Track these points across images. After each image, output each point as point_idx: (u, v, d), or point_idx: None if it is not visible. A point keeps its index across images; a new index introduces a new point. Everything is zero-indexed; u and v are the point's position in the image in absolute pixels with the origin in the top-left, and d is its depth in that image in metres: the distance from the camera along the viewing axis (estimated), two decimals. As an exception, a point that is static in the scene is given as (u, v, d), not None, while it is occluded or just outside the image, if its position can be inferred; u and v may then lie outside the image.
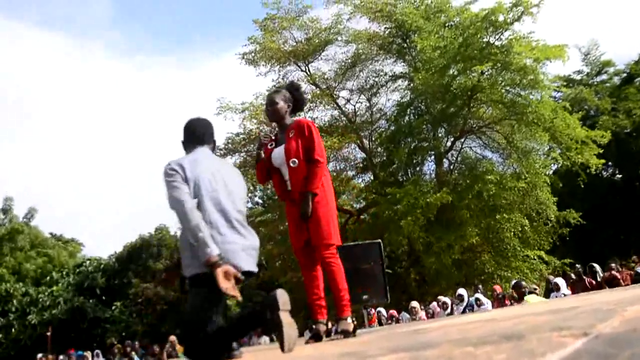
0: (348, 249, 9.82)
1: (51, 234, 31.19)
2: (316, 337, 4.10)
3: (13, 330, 22.61)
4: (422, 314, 13.33)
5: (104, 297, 23.84)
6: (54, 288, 23.94)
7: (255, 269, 3.31)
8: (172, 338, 15.23)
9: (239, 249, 3.23)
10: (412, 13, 19.38)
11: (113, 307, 23.17)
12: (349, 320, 4.12)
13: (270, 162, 4.49)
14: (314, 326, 4.25)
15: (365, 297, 9.69)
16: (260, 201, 29.29)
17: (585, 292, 10.68)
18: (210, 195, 3.28)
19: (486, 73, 17.60)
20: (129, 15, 72.70)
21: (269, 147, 4.53)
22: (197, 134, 3.71)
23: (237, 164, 22.12)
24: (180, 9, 70.83)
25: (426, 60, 19.27)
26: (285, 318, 2.92)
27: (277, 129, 4.59)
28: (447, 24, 20.32)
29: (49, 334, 21.04)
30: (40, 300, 23.25)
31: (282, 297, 2.97)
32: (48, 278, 25.25)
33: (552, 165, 20.30)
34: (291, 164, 4.26)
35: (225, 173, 3.49)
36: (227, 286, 2.94)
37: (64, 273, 25.31)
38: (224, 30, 76.58)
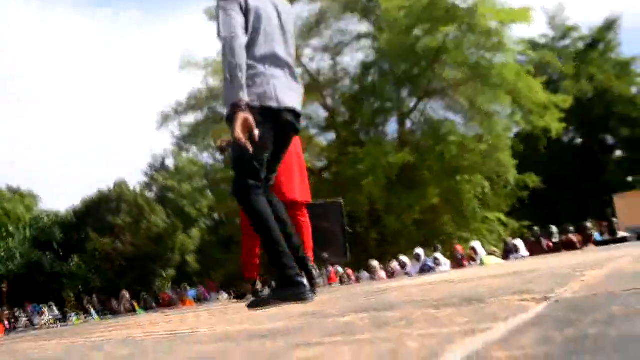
0: (309, 208, 9.86)
1: (7, 186, 30.55)
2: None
3: (-33, 283, 22.27)
4: (382, 273, 13.49)
5: (61, 252, 23.51)
6: (10, 241, 23.52)
7: (300, 109, 3.15)
8: (124, 293, 15.17)
9: (286, 87, 3.06)
10: (379, -30, 19.15)
11: (70, 262, 22.89)
12: None
13: None
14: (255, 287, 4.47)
15: (325, 255, 9.76)
16: (221, 158, 29.09)
17: (543, 255, 10.95)
18: (268, 31, 3.08)
19: (451, 35, 17.57)
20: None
21: None
22: None
23: (199, 120, 21.89)
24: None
25: (391, 21, 19.15)
26: None
27: None
28: (413, -17, 20.15)
29: (4, 287, 20.76)
30: (-4, 253, 22.92)
31: None
32: (3, 231, 24.78)
33: (514, 128, 20.53)
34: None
35: (283, 11, 3.27)
36: (241, 135, 2.75)
37: (21, 226, 24.84)
38: (188, -18, 74.64)
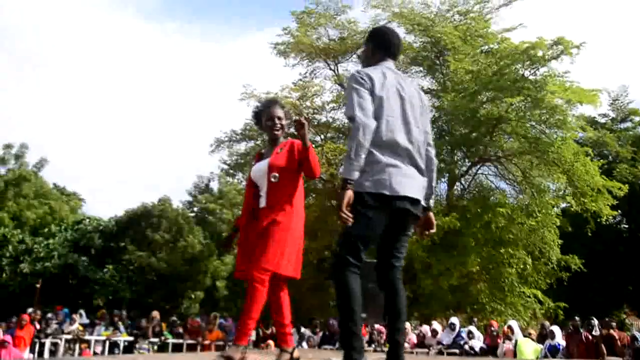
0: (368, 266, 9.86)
1: (55, 185, 31.27)
2: None
3: (4, 275, 22.70)
4: (413, 336, 13.32)
5: (97, 259, 23.87)
6: (51, 241, 23.99)
7: (421, 199, 3.26)
8: (155, 314, 15.25)
9: (403, 175, 3.18)
10: (451, 33, 19.25)
11: (105, 270, 23.20)
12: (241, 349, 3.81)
13: (249, 176, 4.34)
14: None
15: (363, 315, 9.73)
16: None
17: (580, 346, 10.69)
18: (389, 120, 3.20)
19: (514, 105, 17.50)
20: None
21: (252, 163, 4.42)
22: (391, 45, 3.56)
23: (250, 150, 22.18)
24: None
25: (456, 82, 19.23)
26: None
27: (266, 145, 4.44)
28: (483, 50, 20.22)
29: (38, 285, 21.15)
30: (35, 250, 23.30)
31: None
32: (46, 230, 25.29)
33: (561, 204, 20.21)
34: (272, 179, 4.08)
35: (409, 96, 3.36)
36: (344, 213, 2.97)
37: (63, 227, 25.35)
38: (255, 8, 76.28)
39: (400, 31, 21.64)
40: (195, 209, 30.74)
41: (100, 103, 66.94)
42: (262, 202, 4.13)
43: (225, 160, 24.56)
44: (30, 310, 14.40)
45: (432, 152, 3.52)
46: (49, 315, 14.44)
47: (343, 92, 21.75)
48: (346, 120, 21.66)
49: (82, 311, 16.54)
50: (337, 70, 22.56)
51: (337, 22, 22.29)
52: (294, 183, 4.15)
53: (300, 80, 21.98)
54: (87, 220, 25.90)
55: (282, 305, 4.05)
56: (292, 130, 4.34)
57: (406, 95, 3.32)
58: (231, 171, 26.77)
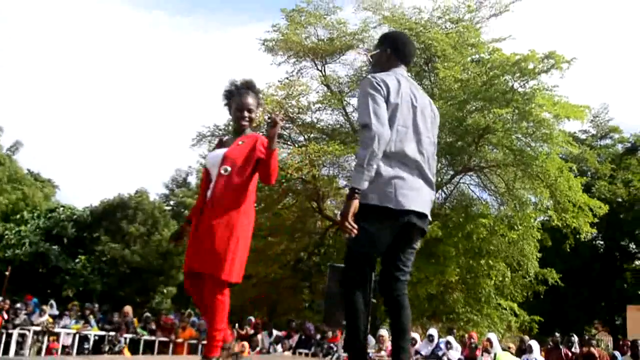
0: (339, 270, 9.67)
1: (29, 170, 30.62)
2: None
3: (-28, 260, 22.16)
4: (389, 344, 13.17)
5: (69, 248, 23.39)
6: (22, 228, 23.43)
7: (424, 210, 3.17)
8: (128, 309, 14.92)
9: (409, 188, 3.08)
10: (442, 40, 19.14)
11: (77, 260, 22.73)
12: None
13: (205, 165, 4.15)
14: None
15: (344, 322, 9.51)
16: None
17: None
18: (400, 130, 3.10)
19: (502, 116, 17.45)
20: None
21: (210, 149, 4.33)
22: (406, 51, 3.48)
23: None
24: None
25: (445, 90, 19.12)
26: None
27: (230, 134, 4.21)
28: (474, 59, 20.15)
29: (7, 273, 20.62)
30: (6, 237, 22.73)
31: None
32: (18, 216, 24.69)
33: (539, 217, 20.23)
34: (222, 171, 3.83)
35: (421, 107, 3.28)
36: (349, 223, 2.90)
37: (35, 215, 24.79)
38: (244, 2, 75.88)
39: (390, 35, 21.55)
40: (171, 202, 30.38)
41: (81, 89, 66.03)
42: (208, 194, 3.91)
43: (205, 155, 24.21)
44: (-1, 299, 13.97)
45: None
46: (18, 305, 14.01)
47: (328, 93, 21.57)
48: (331, 122, 21.69)
49: (52, 302, 16.16)
50: (324, 70, 22.34)
51: (327, 22, 22.08)
52: (246, 181, 3.89)
53: (287, 78, 21.72)
54: (61, 208, 25.36)
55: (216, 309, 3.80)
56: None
57: (419, 105, 3.24)
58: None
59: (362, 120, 2.99)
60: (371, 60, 3.53)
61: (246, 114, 4.04)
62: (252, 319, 15.78)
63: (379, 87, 3.08)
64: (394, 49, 3.40)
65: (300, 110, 21.05)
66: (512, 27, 32.86)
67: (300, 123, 21.06)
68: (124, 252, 23.38)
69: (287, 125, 20.96)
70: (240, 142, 3.94)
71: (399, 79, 3.22)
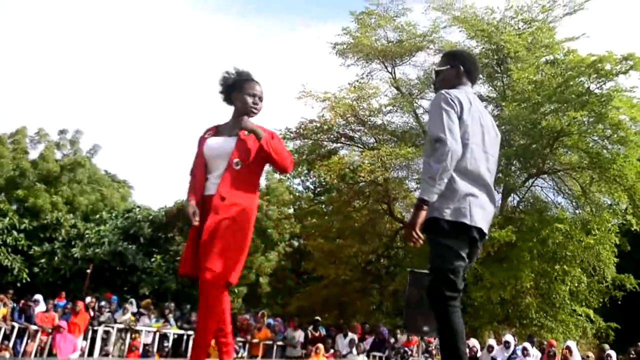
0: (419, 276, 9.75)
1: (106, 172, 31.71)
2: None
3: (56, 258, 23.05)
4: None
5: (146, 247, 24.12)
6: (102, 227, 24.30)
7: (487, 230, 3.22)
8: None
9: (480, 206, 3.14)
10: (515, 41, 18.85)
11: (152, 259, 23.42)
12: None
13: (202, 152, 3.75)
14: None
15: (425, 328, 9.60)
16: (311, 186, 29.25)
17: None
18: (473, 148, 3.17)
19: (577, 119, 17.08)
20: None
21: (205, 136, 3.83)
22: (476, 72, 3.55)
23: (302, 149, 22.17)
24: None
25: (518, 91, 18.83)
26: None
27: (228, 122, 3.86)
28: (548, 60, 19.75)
29: (89, 270, 21.47)
30: (87, 236, 23.62)
31: None
32: (97, 216, 25.64)
33: (616, 221, 19.65)
34: (234, 165, 3.56)
35: (487, 127, 3.34)
36: (416, 233, 2.96)
37: (113, 215, 25.69)
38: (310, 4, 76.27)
39: (461, 36, 21.37)
40: (242, 203, 30.85)
41: (155, 93, 67.93)
42: (211, 189, 3.61)
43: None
44: (88, 299, 14.60)
45: None
46: (103, 303, 14.60)
47: (399, 96, 21.55)
48: (400, 123, 21.64)
49: (132, 300, 16.73)
50: (394, 72, 22.34)
51: (397, 24, 22.06)
52: (256, 177, 3.74)
53: (357, 81, 21.83)
54: (138, 209, 26.16)
55: (224, 312, 3.60)
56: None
57: (485, 124, 3.31)
58: (280, 168, 26.72)
59: (436, 134, 3.04)
60: (438, 73, 3.56)
61: (258, 101, 3.78)
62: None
63: (453, 104, 3.14)
64: (465, 69, 3.46)
65: (371, 112, 21.15)
66: (586, 25, 31.77)
67: (370, 125, 21.16)
68: (197, 252, 23.94)
69: (357, 127, 21.11)
70: (246, 133, 3.64)
71: (469, 97, 3.28)
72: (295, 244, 31.01)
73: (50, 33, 65.31)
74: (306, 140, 21.89)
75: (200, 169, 3.72)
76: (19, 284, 22.21)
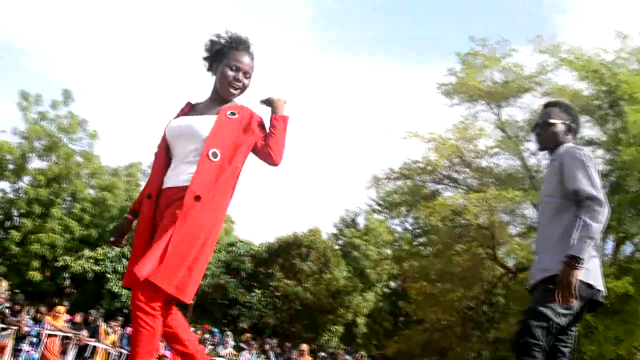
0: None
1: (210, 206, 32.61)
2: None
3: (163, 290, 23.90)
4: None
5: (246, 282, 24.63)
6: (206, 260, 25.05)
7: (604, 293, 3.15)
8: (305, 347, 15.25)
9: (598, 265, 3.09)
10: (633, 82, 18.08)
11: (252, 294, 23.87)
12: None
13: (164, 134, 2.96)
14: None
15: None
16: (410, 227, 29.01)
17: None
18: None
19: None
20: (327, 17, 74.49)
21: (177, 114, 3.04)
22: (578, 130, 3.52)
23: (403, 189, 22.09)
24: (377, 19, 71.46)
25: (634, 135, 17.97)
26: None
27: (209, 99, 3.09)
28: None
29: (192, 302, 22.04)
30: (192, 268, 24.39)
31: None
32: (203, 251, 26.48)
33: None
34: (210, 156, 2.76)
35: None
36: (573, 294, 2.82)
37: (217, 248, 26.43)
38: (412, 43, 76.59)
39: (570, 78, 20.77)
40: (339, 242, 31.05)
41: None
42: (170, 180, 2.86)
43: (374, 196, 24.85)
44: (191, 329, 14.97)
45: None
46: (206, 335, 14.93)
47: (505, 138, 21.09)
48: (505, 166, 21.11)
49: (229, 333, 17.01)
50: (500, 114, 21.95)
51: (503, 65, 21.76)
52: (233, 175, 2.87)
53: (462, 122, 21.62)
54: (240, 243, 26.85)
55: (184, 331, 2.89)
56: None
57: None
58: (378, 208, 26.77)
59: (589, 192, 2.97)
60: (550, 125, 3.40)
61: (241, 77, 2.99)
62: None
63: (589, 160, 3.12)
64: (575, 127, 3.43)
65: (477, 154, 20.84)
66: None
67: (475, 167, 20.81)
68: (296, 288, 24.19)
69: (462, 169, 20.82)
70: (229, 114, 2.90)
71: (589, 154, 3.22)
72: (393, 285, 30.89)
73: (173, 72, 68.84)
74: (409, 179, 21.76)
75: (161, 156, 2.95)
76: (125, 310, 23.12)
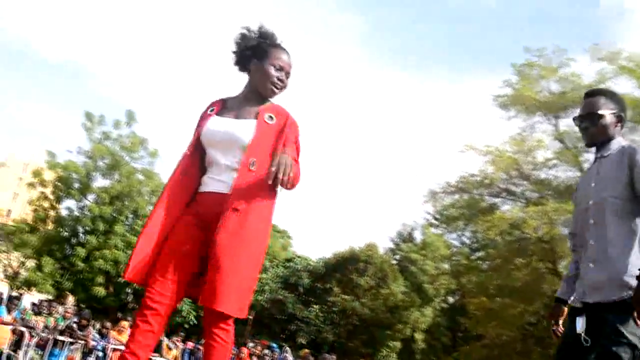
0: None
1: (269, 222, 32.98)
2: None
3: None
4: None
5: (304, 297, 24.80)
6: (264, 275, 25.38)
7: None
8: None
9: None
10: (695, 91, 17.57)
11: (310, 309, 24.01)
12: None
13: (199, 135, 2.77)
14: None
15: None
16: (467, 241, 28.69)
17: None
18: None
19: None
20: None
21: (208, 112, 2.85)
22: (626, 114, 3.07)
23: (461, 203, 21.90)
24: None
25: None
26: None
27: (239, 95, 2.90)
28: None
29: (251, 317, 22.38)
30: (251, 284, 24.69)
31: None
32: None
33: None
34: (250, 166, 2.61)
35: None
36: None
37: (275, 263, 26.74)
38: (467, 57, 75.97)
39: (631, 85, 20.25)
40: (396, 256, 30.94)
41: (311, 144, 70.53)
42: (210, 185, 2.74)
43: (431, 210, 24.69)
44: (251, 344, 15.21)
45: None
46: (266, 351, 15.12)
47: (563, 149, 20.70)
48: (564, 178, 20.68)
49: (287, 348, 17.17)
50: (558, 125, 21.56)
51: (560, 75, 21.39)
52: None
53: (519, 134, 21.32)
54: (297, 259, 27.09)
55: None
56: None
57: None
58: (435, 222, 26.61)
59: None
60: (599, 116, 2.96)
61: (285, 78, 2.84)
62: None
63: None
64: (624, 119, 3.00)
65: (535, 166, 20.52)
66: None
67: (534, 180, 20.50)
68: (354, 304, 24.23)
69: (520, 182, 20.54)
70: (267, 118, 2.75)
71: None
72: (451, 300, 30.55)
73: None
74: (466, 194, 21.59)
75: (195, 157, 2.80)
76: (186, 325, 23.54)
